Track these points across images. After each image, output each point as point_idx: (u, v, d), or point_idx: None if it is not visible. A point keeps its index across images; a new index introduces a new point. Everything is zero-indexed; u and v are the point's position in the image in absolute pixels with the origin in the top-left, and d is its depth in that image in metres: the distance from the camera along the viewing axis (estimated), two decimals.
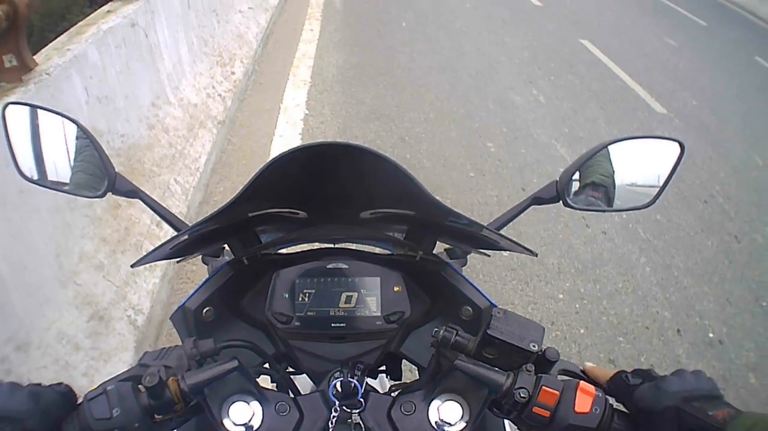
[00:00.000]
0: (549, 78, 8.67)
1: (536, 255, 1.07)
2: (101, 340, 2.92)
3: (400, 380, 1.38)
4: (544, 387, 0.89)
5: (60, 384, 0.88)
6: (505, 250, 1.17)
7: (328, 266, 1.18)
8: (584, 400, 0.88)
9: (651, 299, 4.54)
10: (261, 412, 0.93)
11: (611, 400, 0.92)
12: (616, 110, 8.04)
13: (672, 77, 9.89)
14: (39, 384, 0.86)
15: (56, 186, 1.25)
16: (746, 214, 6.07)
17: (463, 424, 0.94)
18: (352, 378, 1.01)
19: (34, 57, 3.13)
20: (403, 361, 1.32)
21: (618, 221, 5.37)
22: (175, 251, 1.07)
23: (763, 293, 4.91)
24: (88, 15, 4.08)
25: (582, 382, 0.91)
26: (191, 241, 1.05)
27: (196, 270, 3.82)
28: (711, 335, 4.31)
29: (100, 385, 0.86)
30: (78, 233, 3.10)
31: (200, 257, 1.43)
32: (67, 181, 1.24)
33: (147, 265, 3.37)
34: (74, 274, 2.97)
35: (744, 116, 8.90)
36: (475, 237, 1.16)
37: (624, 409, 0.93)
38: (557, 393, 0.88)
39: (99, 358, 2.84)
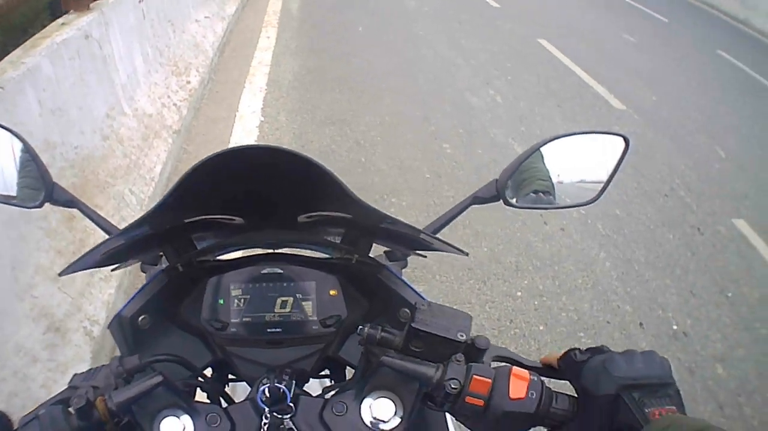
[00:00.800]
0: (506, 78, 8.69)
1: (467, 254, 1.08)
2: (58, 351, 2.90)
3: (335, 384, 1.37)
4: (475, 376, 0.88)
5: None
6: (439, 251, 1.16)
7: (263, 272, 1.17)
8: (518, 385, 0.87)
9: (611, 293, 4.55)
10: (192, 425, 0.91)
11: (549, 383, 0.91)
12: (574, 107, 8.09)
13: (631, 74, 9.97)
14: None
15: (3, 198, 1.23)
16: (709, 206, 6.12)
17: (397, 420, 0.94)
18: (280, 383, 0.99)
19: None
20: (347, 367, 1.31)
21: (576, 217, 5.38)
22: (108, 257, 1.05)
23: (728, 284, 4.95)
24: None
25: (515, 367, 0.90)
26: (125, 247, 1.03)
27: None
28: (675, 327, 4.34)
29: (33, 410, 0.86)
30: (33, 246, 3.08)
31: (140, 265, 1.40)
32: (14, 193, 1.23)
33: (102, 276, 3.36)
34: (30, 287, 2.95)
35: (706, 110, 9.00)
36: (410, 239, 1.16)
37: (569, 393, 0.91)
38: (489, 380, 0.87)
39: (56, 369, 2.82)
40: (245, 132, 5.89)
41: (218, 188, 0.94)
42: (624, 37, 12.38)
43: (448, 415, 1.21)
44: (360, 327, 0.96)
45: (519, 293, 4.35)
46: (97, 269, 1.69)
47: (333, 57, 8.36)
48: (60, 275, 1.04)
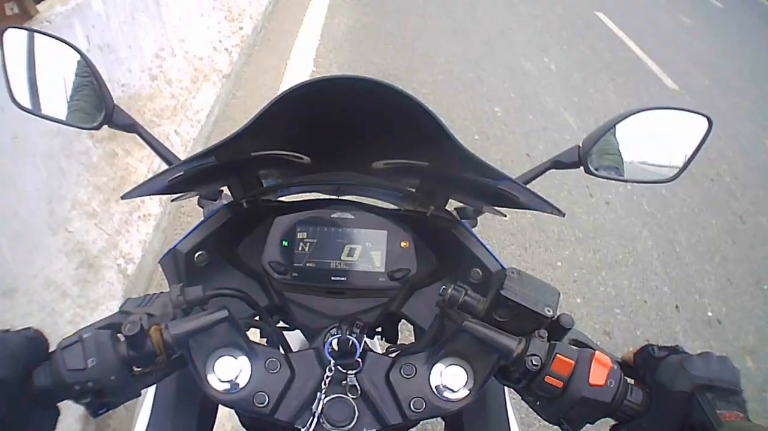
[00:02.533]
0: (561, 47, 8.62)
1: (563, 215, 1.02)
2: (89, 288, 2.89)
3: (396, 343, 1.33)
4: (558, 355, 0.84)
5: (29, 328, 0.81)
6: (524, 208, 1.10)
7: (332, 215, 1.10)
8: (599, 372, 0.84)
9: (651, 273, 4.52)
10: (249, 368, 0.87)
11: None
12: (627, 82, 7.99)
13: (685, 55, 9.83)
14: (7, 330, 0.79)
15: (51, 116, 1.19)
16: (753, 196, 6.04)
17: (466, 391, 0.89)
18: (351, 336, 0.94)
19: (38, 5, 3.10)
20: (400, 324, 1.28)
21: (623, 191, 5.35)
22: (171, 186, 1.00)
23: (765, 276, 4.89)
24: None
25: (598, 352, 0.87)
26: (188, 177, 0.99)
27: (192, 222, 3.76)
28: (710, 314, 4.30)
29: (75, 332, 0.81)
30: (72, 180, 3.07)
31: (197, 199, 1.37)
32: (64, 110, 1.19)
33: (141, 214, 3.35)
34: (66, 221, 2.94)
35: (756, 101, 8.84)
36: (492, 194, 1.10)
37: (640, 387, 0.87)
38: (572, 362, 0.84)
39: (86, 306, 2.81)
40: (296, 81, 5.74)
41: (295, 123, 0.90)
42: (679, 18, 12.19)
43: (506, 391, 1.19)
44: (443, 287, 0.91)
45: (559, 263, 4.35)
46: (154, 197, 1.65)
47: (388, 13, 8.32)
48: (122, 197, 1.00)
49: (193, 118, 4.47)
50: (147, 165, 3.54)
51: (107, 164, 3.32)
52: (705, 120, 1.26)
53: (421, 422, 0.94)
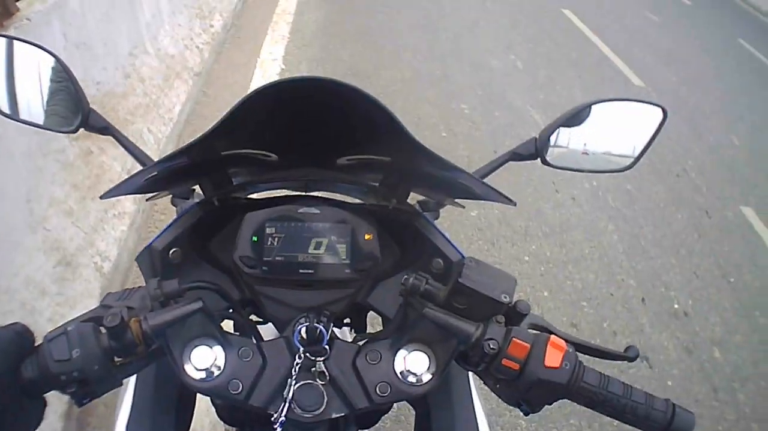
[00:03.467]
0: (528, 45, 8.63)
1: (515, 204, 1.07)
2: (67, 286, 2.90)
3: (365, 332, 1.36)
4: (514, 339, 0.88)
5: (16, 323, 0.85)
6: (481, 199, 1.14)
7: (299, 211, 1.14)
8: (554, 355, 0.88)
9: (617, 267, 4.57)
10: (224, 357, 0.92)
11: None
12: (593, 79, 8.04)
13: (652, 52, 9.89)
14: None
15: (29, 120, 1.22)
16: (719, 191, 6.12)
17: (429, 375, 0.94)
18: (318, 324, 0.98)
19: (18, 3, 3.11)
20: (368, 315, 1.31)
21: (588, 187, 5.39)
22: (146, 185, 1.05)
23: (731, 269, 4.96)
24: None
25: (553, 336, 0.91)
26: (161, 177, 1.03)
27: (165, 220, 3.77)
28: (676, 306, 4.36)
29: (60, 326, 0.85)
30: (49, 179, 3.07)
31: (170, 198, 1.41)
32: (41, 115, 1.23)
33: (116, 213, 3.38)
34: (44, 219, 2.95)
35: (723, 97, 8.92)
36: (450, 186, 1.15)
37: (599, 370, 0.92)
38: (528, 345, 0.88)
39: (65, 304, 2.82)
40: (265, 79, 5.82)
41: (263, 122, 0.94)
42: (647, 16, 12.20)
43: (471, 377, 1.24)
44: (405, 277, 0.95)
45: (526, 258, 4.38)
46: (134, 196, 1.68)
47: (357, 10, 8.30)
48: (101, 197, 1.04)
49: (166, 116, 4.47)
50: (121, 163, 3.54)
51: (83, 163, 3.32)
52: (660, 111, 1.31)
53: (393, 408, 0.98)
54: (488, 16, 9.47)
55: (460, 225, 4.44)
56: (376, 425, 1.27)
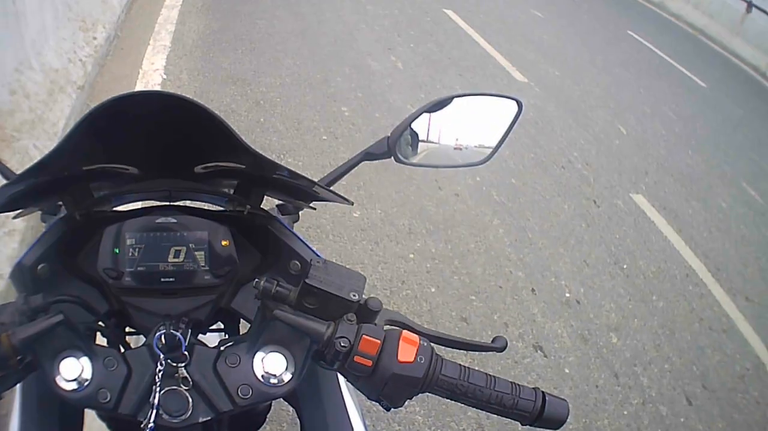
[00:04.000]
0: (408, 45, 8.68)
1: (351, 203, 1.11)
2: None
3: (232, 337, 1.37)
4: (364, 336, 0.89)
5: None
6: (324, 200, 1.19)
7: (157, 221, 1.14)
8: (407, 349, 0.89)
9: (504, 259, 4.60)
10: (90, 367, 0.92)
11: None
12: (475, 77, 8.12)
13: (535, 48, 10.08)
14: None
15: None
16: (607, 180, 6.29)
17: (288, 375, 0.96)
18: (176, 331, 0.98)
19: None
20: (242, 321, 1.31)
21: (471, 183, 5.44)
22: (10, 201, 1.04)
23: (624, 256, 5.10)
24: None
25: (405, 331, 0.92)
26: (25, 192, 1.02)
27: None
28: (567, 295, 4.44)
29: None
30: None
31: (40, 215, 1.40)
32: None
33: (6, 230, 3.31)
34: None
35: (608, 88, 9.19)
36: (301, 191, 1.17)
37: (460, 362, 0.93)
38: (378, 341, 0.89)
39: None
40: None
41: (115, 136, 0.93)
42: (532, 13, 12.44)
43: (341, 375, 1.26)
44: (256, 280, 0.96)
45: (411, 256, 4.37)
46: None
47: (237, 17, 8.24)
48: None
49: (51, 131, 4.39)
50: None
51: None
52: (515, 103, 1.33)
53: (288, 412, 0.99)
54: (368, 18, 9.48)
55: (342, 227, 4.44)
56: (268, 426, 1.28)
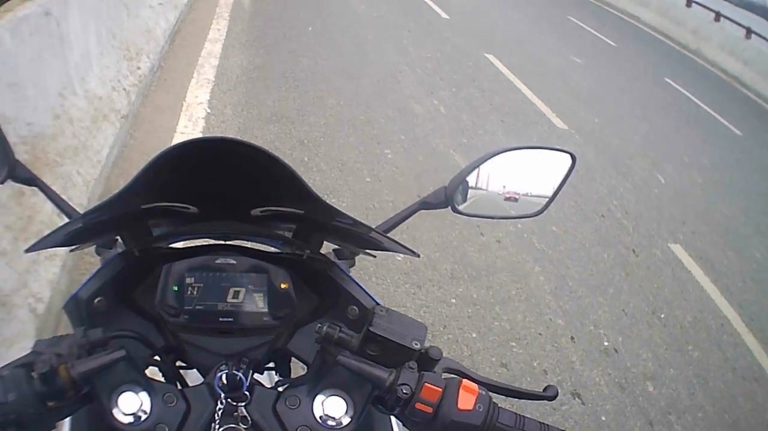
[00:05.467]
0: (450, 89, 8.66)
1: (419, 256, 1.09)
2: (3, 326, 2.88)
3: (288, 379, 1.36)
4: (426, 384, 0.90)
5: None
6: (390, 251, 1.19)
7: (216, 261, 1.15)
8: (467, 398, 0.89)
9: (544, 307, 4.59)
10: (149, 403, 0.93)
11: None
12: (516, 123, 8.11)
13: (575, 95, 10.08)
14: None
15: None
16: (645, 229, 6.25)
17: (348, 419, 0.95)
18: (238, 371, 1.00)
19: None
20: (293, 361, 1.32)
21: (513, 230, 5.42)
22: (69, 238, 1.06)
23: (661, 305, 5.07)
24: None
25: (465, 380, 0.93)
26: (84, 229, 1.03)
27: (95, 262, 3.66)
28: (606, 343, 4.41)
29: None
30: None
31: (94, 248, 1.42)
32: None
33: (48, 255, 3.34)
34: None
35: (648, 136, 9.17)
36: (361, 238, 1.17)
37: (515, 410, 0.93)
38: (440, 389, 0.90)
39: (1, 344, 2.81)
40: (191, 122, 5.82)
41: (180, 176, 0.96)
42: (571, 59, 12.47)
43: (393, 419, 1.24)
44: (318, 325, 0.97)
45: (453, 301, 4.36)
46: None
47: (281, 54, 8.29)
48: (26, 251, 1.06)
49: (94, 158, 4.42)
50: (51, 205, 3.52)
51: (15, 203, 3.28)
52: (569, 157, 1.35)
53: None
54: (411, 61, 9.50)
55: (386, 270, 4.42)
56: None
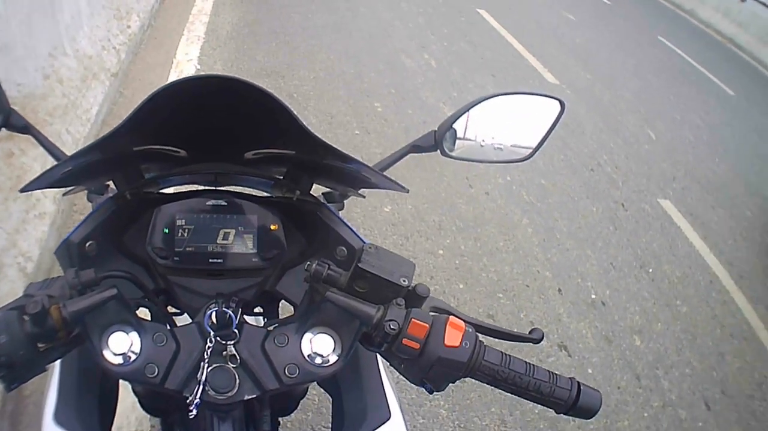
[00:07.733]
0: (442, 44, 8.62)
1: (407, 191, 1.12)
2: None
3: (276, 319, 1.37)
4: (413, 320, 0.91)
5: None
6: (380, 187, 1.20)
7: (207, 203, 1.18)
8: (454, 334, 0.91)
9: (532, 259, 4.61)
10: (139, 342, 0.94)
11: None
12: (507, 77, 8.08)
13: (568, 51, 10.06)
14: None
15: None
16: (635, 184, 6.28)
17: (335, 357, 0.97)
18: (228, 309, 1.00)
19: None
20: (281, 304, 1.34)
21: (502, 182, 5.44)
22: (62, 178, 1.06)
23: (650, 260, 5.12)
24: None
25: (452, 317, 0.94)
26: (76, 172, 1.05)
27: None
28: (593, 296, 4.45)
29: None
30: None
31: (86, 194, 1.43)
32: None
33: (37, 213, 3.35)
34: None
35: (640, 92, 9.16)
36: (351, 176, 1.19)
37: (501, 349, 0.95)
38: (427, 325, 0.91)
39: None
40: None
41: (171, 119, 0.96)
42: (564, 15, 12.41)
43: (380, 359, 1.27)
44: (308, 263, 0.98)
45: (441, 252, 4.37)
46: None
47: (272, 10, 8.19)
48: (21, 191, 1.06)
49: (83, 116, 4.40)
50: (41, 164, 3.49)
51: (4, 164, 3.29)
52: (558, 103, 1.37)
53: (314, 401, 1.01)
54: (403, 16, 9.43)
55: (373, 221, 4.44)
56: (294, 414, 1.31)
